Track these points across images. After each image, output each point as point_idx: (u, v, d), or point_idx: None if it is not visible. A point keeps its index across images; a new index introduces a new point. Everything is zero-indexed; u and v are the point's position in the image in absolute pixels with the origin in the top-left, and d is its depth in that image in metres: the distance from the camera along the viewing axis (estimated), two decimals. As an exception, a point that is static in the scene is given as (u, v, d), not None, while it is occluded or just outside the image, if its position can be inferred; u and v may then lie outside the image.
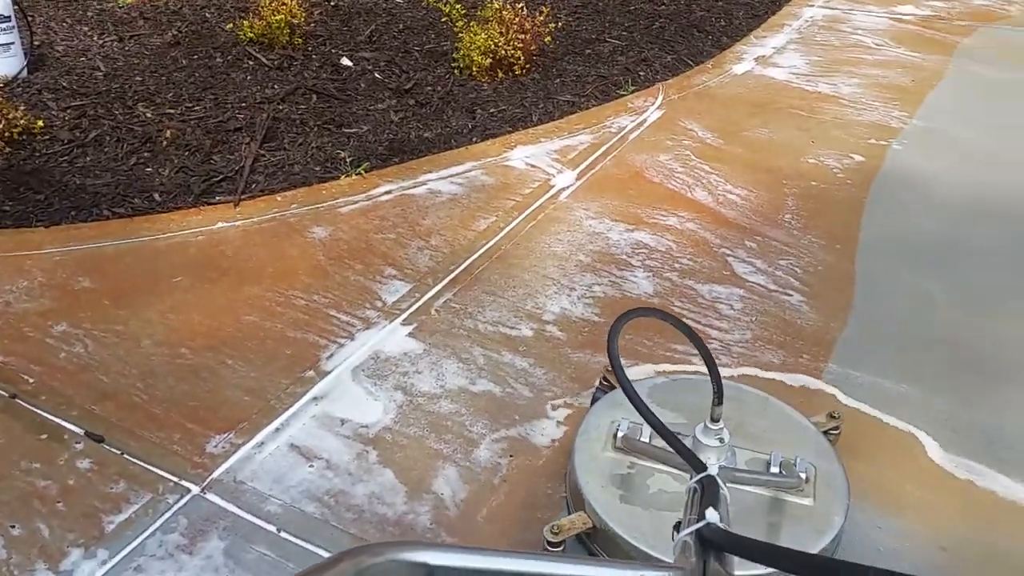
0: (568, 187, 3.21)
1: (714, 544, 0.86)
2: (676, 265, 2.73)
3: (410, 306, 2.49)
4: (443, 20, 4.27)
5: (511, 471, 1.95)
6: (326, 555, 1.75)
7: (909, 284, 2.66)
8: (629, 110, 3.90)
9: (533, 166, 3.35)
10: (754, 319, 2.49)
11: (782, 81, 4.25)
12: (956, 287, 2.63)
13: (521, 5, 4.26)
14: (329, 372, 2.23)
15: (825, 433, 1.88)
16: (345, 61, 4.23)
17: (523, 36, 4.11)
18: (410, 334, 2.38)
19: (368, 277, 2.62)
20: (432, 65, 4.28)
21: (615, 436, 1.79)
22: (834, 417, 1.94)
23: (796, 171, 3.33)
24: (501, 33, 4.10)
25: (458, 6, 4.19)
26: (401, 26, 4.79)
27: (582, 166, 3.36)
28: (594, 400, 2.01)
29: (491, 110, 3.82)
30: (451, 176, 3.24)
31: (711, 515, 0.95)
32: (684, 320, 1.50)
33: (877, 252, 2.81)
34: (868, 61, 4.56)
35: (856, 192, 3.18)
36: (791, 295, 2.60)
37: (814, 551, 1.56)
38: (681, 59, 4.54)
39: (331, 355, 2.29)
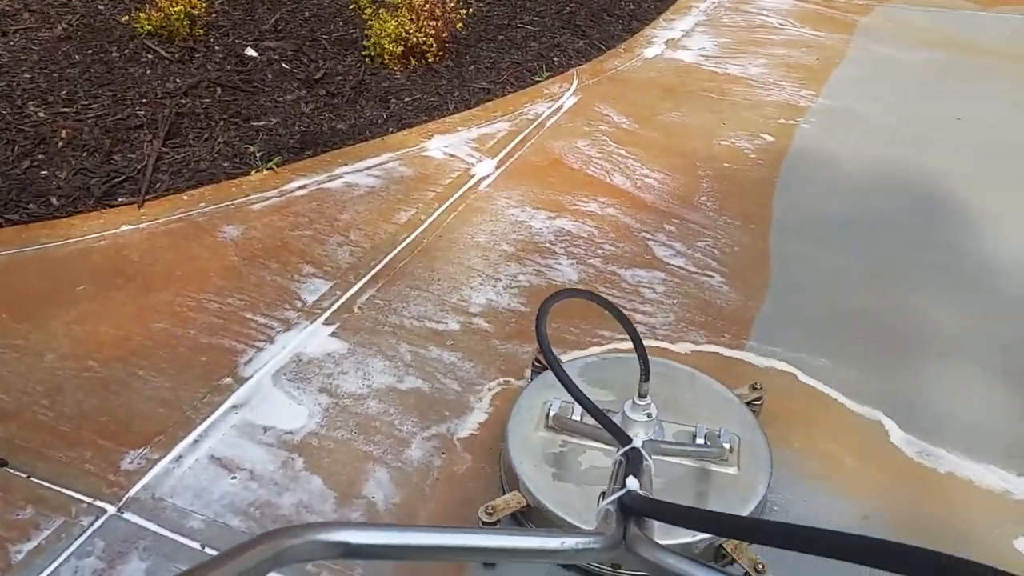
0: (488, 176, 3.18)
1: (634, 510, 0.87)
2: (599, 251, 2.74)
3: (331, 305, 2.43)
4: (351, 7, 4.16)
5: (444, 469, 1.92)
6: (256, 569, 1.68)
7: (821, 260, 2.73)
8: (545, 96, 3.89)
9: (452, 156, 3.31)
10: (676, 301, 2.51)
11: (692, 64, 4.31)
12: (867, 261, 2.72)
13: (431, -9, 4.19)
14: (248, 378, 2.15)
15: (748, 404, 1.93)
16: (250, 52, 4.08)
17: (434, 23, 4.05)
18: (333, 334, 2.32)
19: (285, 276, 2.54)
20: (342, 54, 4.17)
21: (547, 416, 1.81)
22: (756, 389, 1.99)
23: (709, 153, 3.38)
24: (412, 20, 4.02)
25: (366, -7, 4.09)
26: (307, 14, 4.66)
27: (501, 154, 3.34)
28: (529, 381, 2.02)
29: (406, 99, 3.75)
30: (368, 168, 3.17)
31: (631, 483, 0.98)
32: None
33: (790, 230, 2.88)
34: (774, 41, 4.67)
35: (767, 172, 3.25)
36: (710, 276, 2.64)
37: None
38: (593, 44, 4.55)
39: (249, 360, 2.20)
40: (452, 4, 4.18)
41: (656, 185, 3.14)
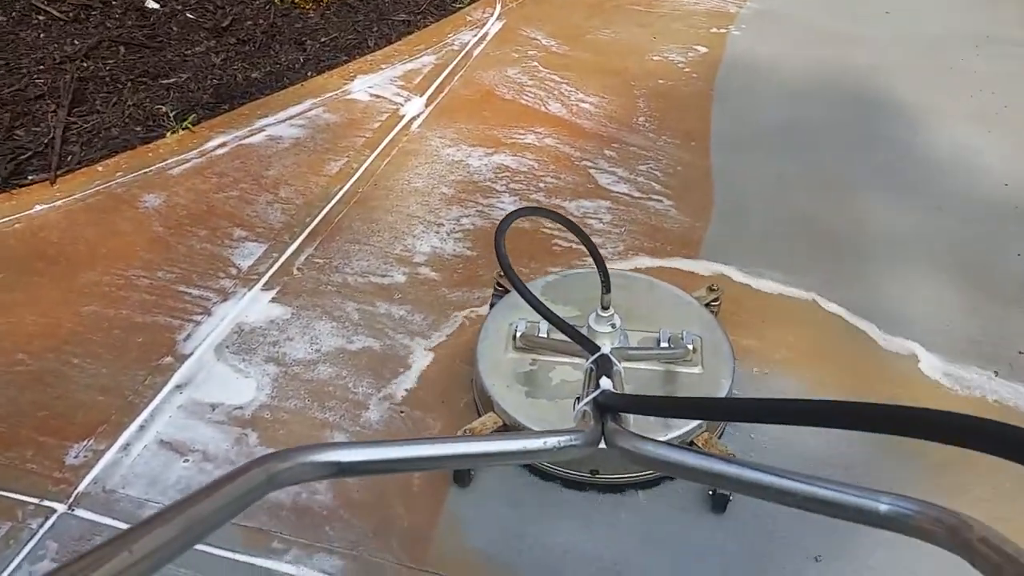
0: (419, 115, 3.05)
1: (609, 407, 0.91)
2: (541, 185, 2.66)
3: (269, 268, 2.32)
4: (253, -55, 3.90)
5: (407, 427, 1.87)
6: (220, 553, 1.63)
7: (764, 172, 2.71)
8: (469, 23, 3.73)
9: (378, 96, 3.16)
10: (624, 229, 2.47)
11: (617, -23, 4.17)
12: (810, 168, 2.70)
13: (337, -80, 3.94)
14: (189, 355, 2.05)
15: (707, 306, 1.97)
16: (151, 3, 3.82)
17: (344, -45, 3.82)
18: (274, 299, 2.22)
19: (216, 243, 2.42)
20: (250, -4, 3.93)
21: (514, 336, 1.83)
22: (713, 290, 2.03)
23: (643, 70, 3.30)
24: (320, -47, 3.79)
25: (267, -72, 3.83)
26: (208, -45, 4.36)
27: (430, 91, 3.20)
28: (491, 306, 2.02)
29: (322, 39, 3.56)
30: (290, 118, 3.01)
31: (604, 383, 1.03)
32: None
33: (730, 144, 2.84)
34: (697, -53, 4.54)
35: (702, 85, 3.19)
36: (656, 200, 2.59)
37: None
38: (513, -37, 4.37)
39: (188, 336, 2.10)
40: (361, -67, 3.94)
41: (592, 110, 3.06)
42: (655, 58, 3.39)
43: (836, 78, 3.21)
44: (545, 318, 1.36)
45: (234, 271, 2.31)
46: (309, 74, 3.31)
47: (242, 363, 2.03)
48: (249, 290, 2.25)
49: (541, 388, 1.77)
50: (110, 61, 3.32)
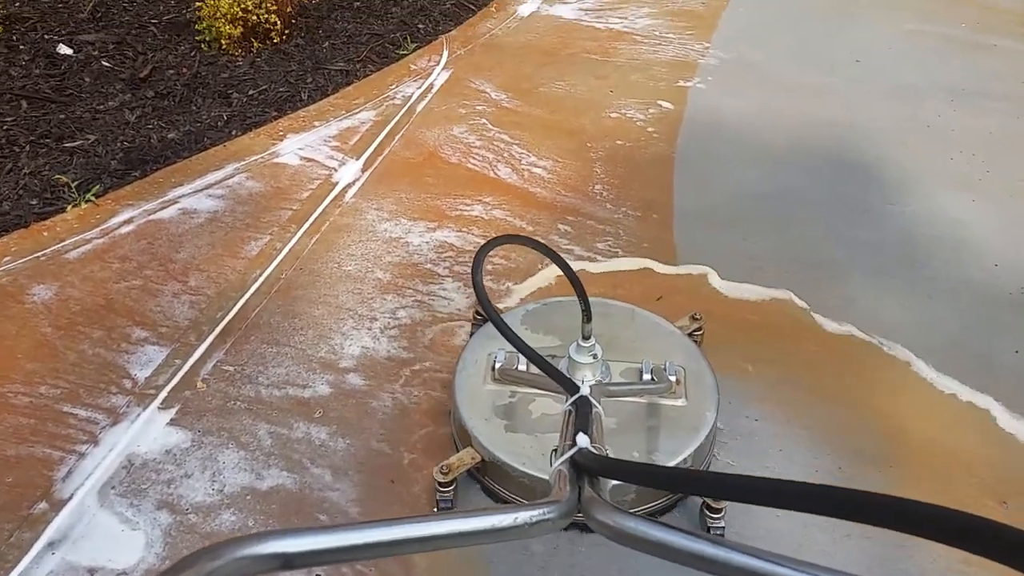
0: (354, 182, 2.75)
1: (587, 469, 0.89)
2: (489, 267, 2.38)
3: (169, 380, 2.00)
4: (177, -14, 3.58)
5: (321, 595, 1.56)
6: None
7: (732, 252, 2.45)
8: (413, 73, 3.45)
9: (309, 160, 2.86)
10: (581, 321, 2.19)
11: (572, 20, 3.93)
12: (782, 249, 2.44)
13: (268, -40, 3.64)
14: (68, 499, 1.72)
15: (690, 335, 1.92)
16: (63, 49, 3.47)
17: (276, -2, 3.53)
18: (172, 421, 1.89)
19: (111, 347, 2.09)
20: (173, 41, 3.61)
21: (493, 368, 1.78)
22: (696, 319, 1.97)
23: (600, 129, 3.04)
24: (250, -4, 3.49)
25: (192, -32, 3.51)
26: (131, -6, 4.03)
27: (368, 152, 2.91)
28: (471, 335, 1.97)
29: (250, 91, 3.25)
30: (208, 187, 2.69)
31: (581, 440, 1.01)
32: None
33: (695, 217, 2.59)
34: (655, -14, 4.33)
35: (664, 147, 2.94)
36: (617, 285, 2.32)
37: (691, 448, 1.62)
38: (461, 3, 4.11)
39: (69, 473, 1.77)
40: (295, -27, 3.65)
41: (545, 175, 2.79)
42: (613, 115, 3.13)
43: (809, 138, 2.99)
44: (524, 354, 1.34)
45: (129, 384, 1.99)
46: (234, 133, 2.99)
47: (130, 509, 1.70)
48: (144, 409, 1.92)
49: (520, 422, 1.70)
50: (8, 119, 2.97)
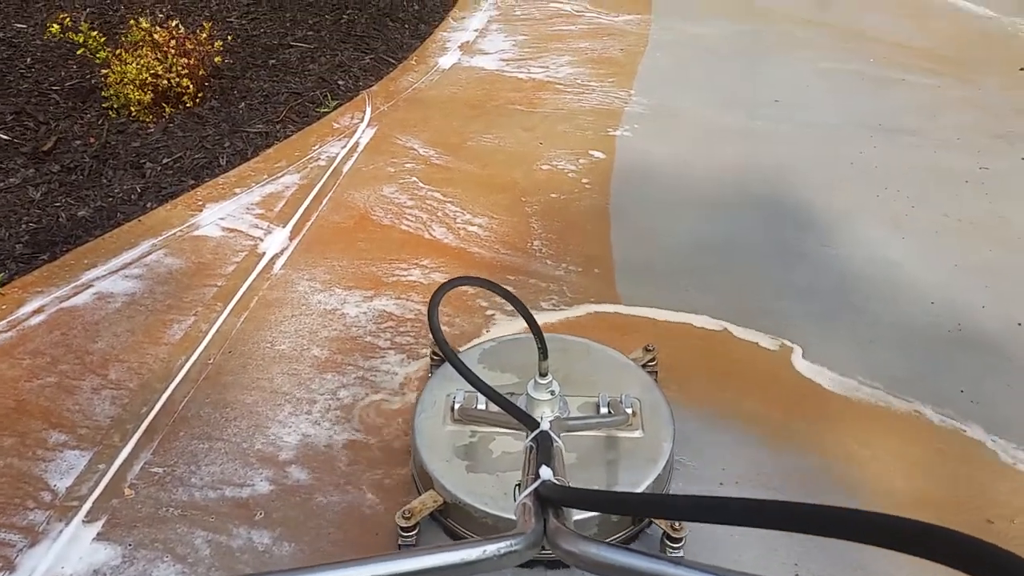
0: (282, 252, 2.63)
1: (551, 500, 0.91)
2: (431, 346, 2.28)
3: (93, 488, 1.83)
4: (80, 52, 3.41)
5: None
6: None
7: (675, 303, 2.42)
8: (336, 132, 3.35)
9: (232, 230, 2.72)
10: (532, 389, 2.11)
11: (494, 71, 3.91)
12: (723, 300, 2.42)
13: (175, 22, 3.51)
14: (-19, 640, 1.54)
15: (644, 367, 1.95)
16: (-46, 121, 3.25)
17: (186, 60, 3.39)
18: (100, 535, 1.73)
19: (25, 455, 1.90)
20: (79, 108, 3.43)
21: (452, 408, 1.78)
22: (649, 350, 2.01)
23: (533, 183, 2.99)
24: (158, 59, 3.34)
25: (94, 33, 3.35)
26: (29, 59, 3.83)
27: (294, 218, 2.79)
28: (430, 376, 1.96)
29: (164, 160, 3.09)
30: (124, 266, 2.53)
31: (544, 472, 1.02)
32: None
33: (636, 271, 2.55)
34: (574, 32, 4.35)
35: (598, 199, 2.91)
36: (565, 347, 2.25)
37: (650, 479, 1.65)
38: (381, 58, 4.04)
39: (-19, 608, 1.59)
40: (205, 35, 3.52)
41: (482, 234, 2.72)
42: (544, 167, 3.09)
43: (739, 182, 3.01)
44: (482, 392, 1.36)
45: (48, 496, 1.81)
46: (149, 206, 2.83)
47: (53, 645, 1.53)
48: (67, 525, 1.75)
49: (482, 462, 1.70)
50: None
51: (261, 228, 2.73)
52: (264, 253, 2.62)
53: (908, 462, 1.91)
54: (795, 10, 4.61)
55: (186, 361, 2.18)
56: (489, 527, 1.60)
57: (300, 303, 2.40)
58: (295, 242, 2.67)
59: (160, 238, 2.67)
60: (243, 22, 4.33)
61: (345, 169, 3.08)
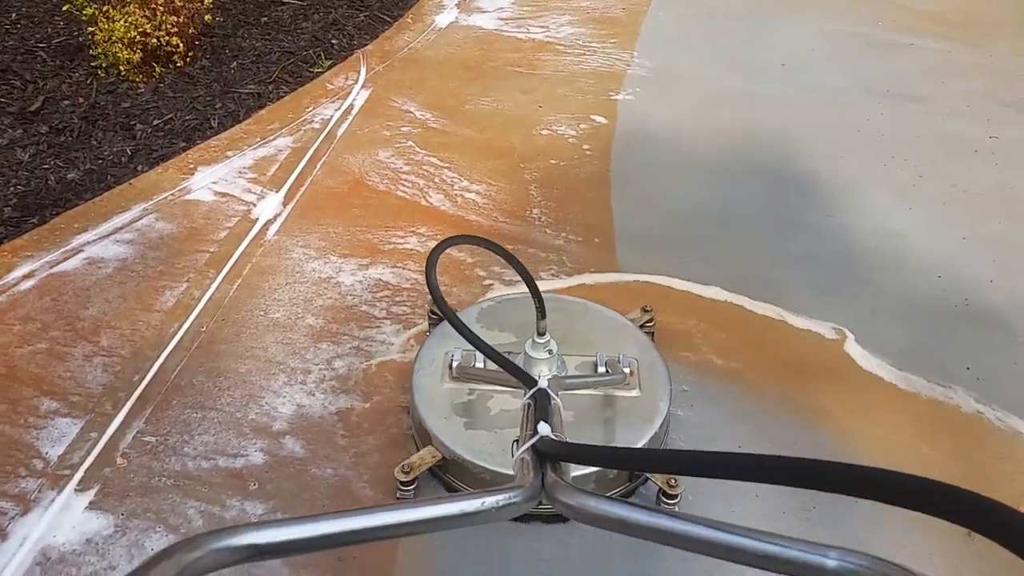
0: (276, 217, 2.57)
1: (549, 455, 0.92)
2: (429, 305, 2.24)
3: (85, 457, 1.80)
4: (65, 8, 3.31)
5: None
6: None
7: (675, 273, 2.37)
8: (330, 94, 3.28)
9: (224, 195, 2.67)
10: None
11: (492, 30, 3.81)
12: (722, 268, 2.38)
13: (166, -22, 3.41)
14: (-28, 611, 1.52)
15: (642, 327, 1.97)
16: (-61, 78, 3.17)
17: (175, 18, 3.29)
18: (92, 504, 1.71)
19: (16, 422, 1.87)
20: (67, 67, 3.34)
21: (450, 366, 1.80)
22: (647, 311, 2.03)
23: (532, 148, 2.93)
24: (147, 17, 3.25)
25: (81, -11, 3.25)
26: (14, 15, 3.73)
27: (288, 183, 2.73)
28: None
29: (154, 121, 3.02)
30: (115, 231, 2.48)
31: (543, 428, 1.03)
32: None
33: (637, 239, 2.51)
34: (574, -8, 4.24)
35: (599, 165, 2.85)
36: (564, 317, 2.22)
37: (647, 437, 1.67)
38: (375, 15, 3.94)
39: (-29, 579, 1.57)
40: (196, -9, 3.42)
41: (479, 200, 2.67)
42: (543, 132, 3.03)
43: (742, 148, 2.95)
44: (480, 350, 1.39)
45: (39, 464, 1.78)
46: (139, 168, 2.77)
47: (45, 618, 1.51)
48: (59, 493, 1.72)
49: (480, 419, 1.72)
50: None
51: (254, 193, 2.68)
52: (257, 219, 2.56)
53: (909, 437, 1.88)
54: (801, -30, 4.50)
55: (179, 328, 2.14)
56: (487, 482, 1.62)
57: (294, 271, 2.36)
58: (289, 207, 2.62)
59: (151, 202, 2.61)
60: (235, -22, 4.21)
61: (339, 132, 3.02)
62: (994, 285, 2.33)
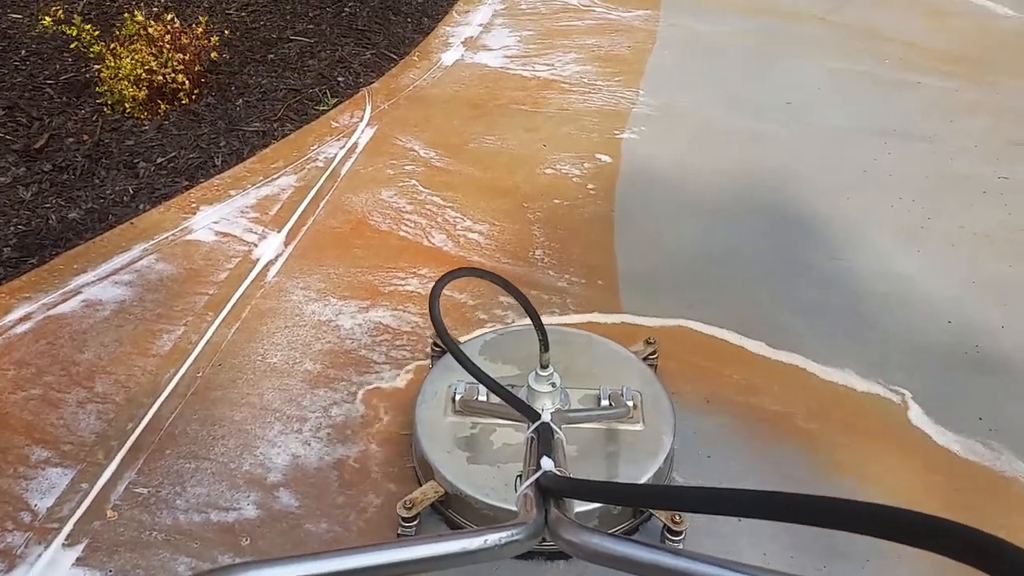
0: (277, 258, 2.55)
1: (552, 491, 0.92)
2: (429, 350, 2.21)
3: (75, 509, 1.77)
4: (73, 46, 3.33)
5: None
6: None
7: (684, 313, 2.34)
8: (335, 132, 3.27)
9: (225, 235, 2.65)
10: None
11: (498, 68, 3.81)
12: (728, 313, 2.34)
13: (171, 16, 3.42)
14: (-48, 674, 1.48)
15: (645, 359, 1.97)
16: (-55, 116, 3.18)
17: (182, 56, 3.30)
18: (80, 560, 1.67)
19: (6, 472, 1.84)
20: (73, 104, 3.35)
21: (453, 400, 1.79)
22: (651, 343, 2.02)
23: (536, 188, 2.91)
24: (153, 54, 3.26)
25: (88, 27, 3.26)
26: (24, 52, 3.75)
27: (290, 223, 2.71)
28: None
29: (158, 159, 3.02)
30: (114, 272, 2.46)
31: (546, 463, 1.03)
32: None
33: (641, 282, 2.47)
34: (580, 28, 4.25)
35: (602, 205, 2.83)
36: (566, 363, 2.18)
37: (651, 472, 1.66)
38: (382, 53, 3.95)
39: (-47, 639, 1.53)
40: (201, 29, 3.43)
41: (482, 241, 2.64)
42: (547, 171, 3.01)
43: (747, 188, 2.92)
44: (483, 384, 1.37)
45: (27, 517, 1.75)
46: (141, 207, 2.76)
47: None
48: (46, 548, 1.69)
49: (483, 453, 1.71)
50: None
51: (255, 233, 2.66)
52: (258, 260, 2.54)
53: (919, 490, 1.83)
54: (808, 7, 4.50)
55: (174, 374, 2.11)
56: (490, 518, 1.61)
57: (294, 313, 2.33)
58: (290, 248, 2.60)
59: (152, 242, 2.60)
60: (242, 15, 4.24)
61: (343, 171, 3.00)
62: (1005, 331, 2.29)
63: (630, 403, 1.77)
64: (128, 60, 3.22)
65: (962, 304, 2.37)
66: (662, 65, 3.86)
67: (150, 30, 3.31)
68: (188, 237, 2.63)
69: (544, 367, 1.69)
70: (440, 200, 2.85)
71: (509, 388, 1.41)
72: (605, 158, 3.10)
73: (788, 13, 4.43)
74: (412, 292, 2.42)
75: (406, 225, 2.72)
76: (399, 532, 1.63)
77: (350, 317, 2.32)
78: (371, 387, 2.09)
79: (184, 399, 2.04)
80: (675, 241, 2.66)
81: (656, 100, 3.52)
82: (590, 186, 2.94)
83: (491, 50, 4.01)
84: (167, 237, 2.63)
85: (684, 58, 3.95)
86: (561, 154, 3.12)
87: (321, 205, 2.81)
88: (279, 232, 2.67)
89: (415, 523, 1.63)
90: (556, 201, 2.84)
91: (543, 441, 1.18)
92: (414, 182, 2.95)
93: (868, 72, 3.79)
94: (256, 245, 2.61)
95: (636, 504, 1.54)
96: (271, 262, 2.53)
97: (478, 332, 2.14)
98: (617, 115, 3.39)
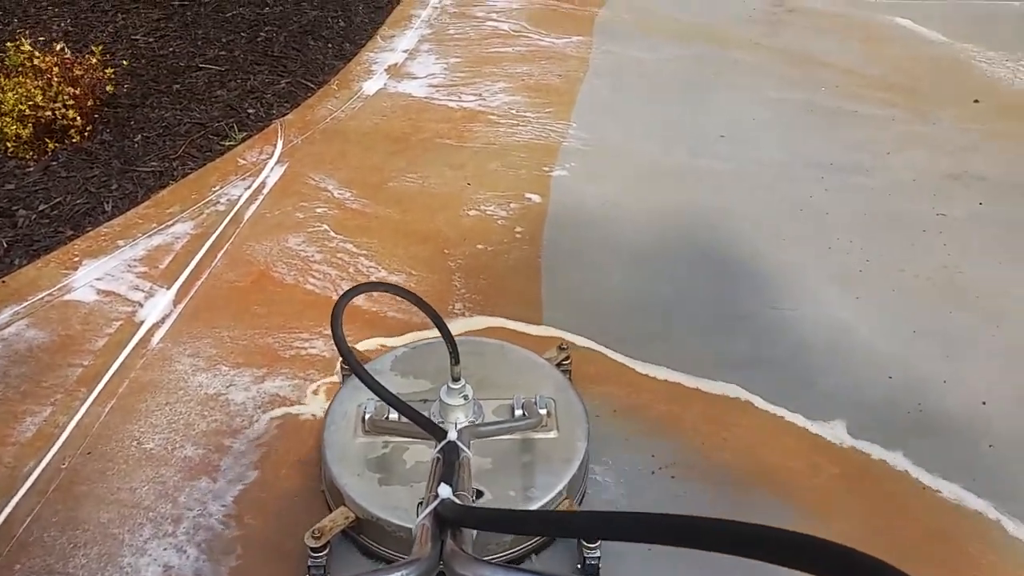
0: (164, 320, 2.30)
1: (449, 521, 0.95)
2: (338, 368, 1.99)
3: None
4: (-51, 78, 3.03)
5: None
6: None
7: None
8: (241, 170, 3.03)
9: (108, 294, 2.39)
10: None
11: (422, 99, 3.61)
12: (666, 372, 2.17)
13: (60, 46, 3.15)
14: None
15: (558, 366, 1.95)
16: None
17: (73, 90, 3.03)
18: None
19: None
20: (-52, 143, 3.04)
21: (363, 420, 1.74)
22: (563, 349, 2.01)
23: (458, 232, 2.71)
24: (40, 88, 2.98)
25: (-37, 58, 2.98)
26: (-101, 83, 3.42)
27: (182, 278, 2.46)
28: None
29: (41, 206, 2.74)
30: (-23, 342, 2.18)
31: (443, 491, 1.06)
32: None
33: (568, 336, 2.29)
34: (510, 56, 4.07)
35: (528, 250, 2.64)
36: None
37: (566, 479, 1.63)
38: (298, 82, 3.72)
39: None
40: (96, 60, 3.16)
41: (395, 296, 2.43)
42: (471, 212, 2.81)
43: (681, 230, 2.76)
44: (387, 402, 1.35)
45: None
46: (16, 263, 2.49)
47: None
48: None
49: (395, 473, 1.66)
50: None
51: (142, 290, 2.40)
52: (142, 323, 2.29)
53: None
54: (744, 32, 4.38)
55: (35, 467, 1.85)
56: (404, 542, 1.50)
57: (177, 387, 2.08)
58: (179, 307, 2.35)
59: (24, 304, 2.33)
60: (149, 40, 3.97)
61: (247, 215, 2.76)
62: (948, 387, 2.15)
63: (543, 411, 1.75)
64: (12, 94, 2.93)
65: (903, 358, 2.23)
66: (594, 95, 3.69)
67: (36, 61, 3.03)
68: (67, 297, 2.37)
69: (456, 380, 1.67)
70: (353, 247, 2.62)
71: (422, 403, 1.39)
72: (534, 197, 2.91)
73: (724, 39, 4.30)
74: (316, 356, 2.20)
75: (314, 277, 2.49)
76: (308, 564, 1.52)
77: (242, 389, 2.08)
78: (259, 472, 1.86)
79: (44, 497, 1.78)
80: (606, 291, 2.48)
81: (588, 133, 3.34)
82: (517, 229, 2.74)
83: (416, 78, 3.80)
84: (42, 297, 2.36)
85: (617, 87, 3.79)
86: (487, 193, 2.92)
87: (219, 256, 2.56)
88: (169, 289, 2.42)
89: (325, 552, 1.53)
90: (480, 246, 2.64)
91: (446, 463, 1.16)
92: (325, 227, 2.72)
93: (805, 101, 3.67)
94: (142, 305, 2.35)
95: (528, 532, 1.47)
96: (157, 325, 2.28)
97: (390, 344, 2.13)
98: (547, 150, 3.21)
